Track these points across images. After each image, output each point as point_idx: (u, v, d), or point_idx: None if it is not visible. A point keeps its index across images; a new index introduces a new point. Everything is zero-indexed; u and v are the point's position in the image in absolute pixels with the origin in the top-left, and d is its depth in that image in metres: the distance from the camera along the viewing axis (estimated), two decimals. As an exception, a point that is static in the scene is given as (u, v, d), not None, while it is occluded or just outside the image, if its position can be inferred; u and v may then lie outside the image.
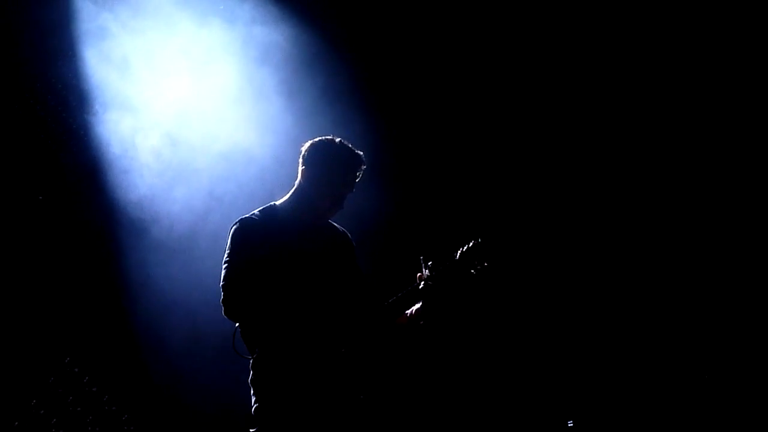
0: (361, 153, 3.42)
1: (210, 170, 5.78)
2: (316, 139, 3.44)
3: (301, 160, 3.42)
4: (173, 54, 5.67)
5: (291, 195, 3.43)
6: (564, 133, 6.15)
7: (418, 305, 3.32)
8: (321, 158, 3.38)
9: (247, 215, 3.33)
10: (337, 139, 3.43)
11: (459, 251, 3.28)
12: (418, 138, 6.21)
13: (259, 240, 3.22)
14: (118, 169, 5.67)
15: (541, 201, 6.12)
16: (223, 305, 3.15)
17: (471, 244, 3.28)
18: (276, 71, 5.86)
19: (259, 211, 3.36)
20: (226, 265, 3.20)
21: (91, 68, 5.55)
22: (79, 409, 5.34)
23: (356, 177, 3.41)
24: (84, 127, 5.63)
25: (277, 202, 3.42)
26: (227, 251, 3.23)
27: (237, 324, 3.24)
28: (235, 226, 3.29)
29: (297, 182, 3.43)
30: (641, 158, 6.04)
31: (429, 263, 3.28)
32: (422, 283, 3.28)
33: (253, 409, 3.17)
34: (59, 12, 5.47)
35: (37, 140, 5.54)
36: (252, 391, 3.19)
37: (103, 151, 5.64)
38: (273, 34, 5.87)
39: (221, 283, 3.18)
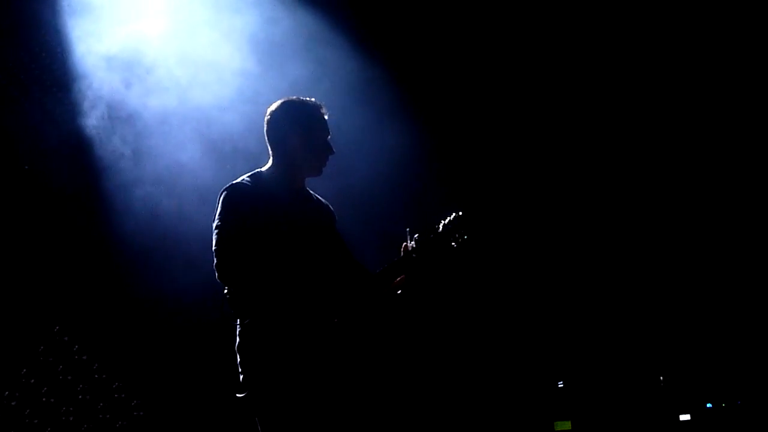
0: (313, 99, 3.46)
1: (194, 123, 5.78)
2: (271, 108, 3.45)
3: (273, 128, 3.42)
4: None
5: (273, 164, 3.42)
6: (548, 123, 6.22)
7: (401, 276, 3.33)
8: (298, 116, 3.39)
9: (237, 180, 3.31)
10: (291, 98, 3.46)
11: (441, 224, 3.32)
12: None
13: (251, 205, 3.20)
14: (100, 132, 5.63)
15: (521, 179, 6.19)
16: (217, 270, 3.11)
17: (452, 216, 3.32)
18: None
19: (248, 176, 3.34)
20: (217, 230, 3.17)
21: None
22: (69, 377, 5.37)
23: (325, 118, 3.43)
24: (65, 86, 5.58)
25: (263, 169, 3.41)
26: (218, 216, 3.20)
27: (225, 291, 3.21)
28: (225, 191, 3.26)
29: (271, 155, 3.43)
30: (614, 145, 6.17)
31: (415, 235, 3.31)
32: (407, 254, 3.30)
33: (240, 376, 3.16)
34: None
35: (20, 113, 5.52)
36: (239, 359, 3.18)
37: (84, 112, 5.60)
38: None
39: (214, 248, 3.15)
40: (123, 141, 5.68)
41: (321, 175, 3.47)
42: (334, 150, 3.44)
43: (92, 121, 5.58)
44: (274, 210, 3.24)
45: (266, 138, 3.45)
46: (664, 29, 5.93)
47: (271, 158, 3.44)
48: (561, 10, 6.11)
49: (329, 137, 3.44)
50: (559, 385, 5.83)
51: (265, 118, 3.45)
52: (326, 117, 3.44)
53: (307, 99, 3.46)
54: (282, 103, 3.45)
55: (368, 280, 3.33)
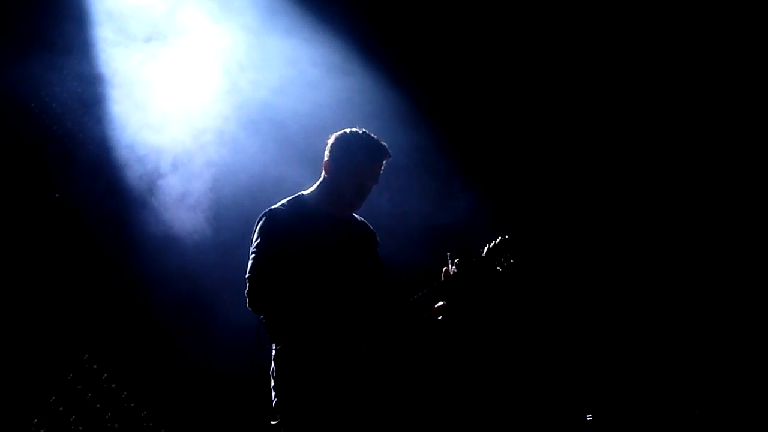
0: (386, 145, 3.40)
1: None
2: (342, 131, 3.42)
3: (327, 152, 3.40)
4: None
5: (317, 187, 3.41)
6: (583, 132, 6.21)
7: (442, 302, 3.31)
8: (346, 149, 3.35)
9: (275, 206, 3.31)
10: (362, 131, 3.41)
11: (485, 247, 3.30)
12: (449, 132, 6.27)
13: (287, 232, 3.20)
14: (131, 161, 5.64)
15: (564, 199, 6.18)
16: (248, 297, 3.12)
17: (497, 240, 3.31)
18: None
19: (287, 201, 3.35)
20: (253, 255, 3.18)
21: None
22: (98, 405, 5.36)
23: (381, 168, 3.38)
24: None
25: (305, 193, 3.41)
26: (255, 242, 3.21)
27: (262, 316, 3.20)
28: (263, 217, 3.27)
29: (322, 174, 3.41)
30: (646, 155, 6.13)
31: (456, 259, 3.28)
32: (448, 278, 3.28)
33: (273, 402, 3.16)
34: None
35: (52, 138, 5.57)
36: (273, 384, 3.18)
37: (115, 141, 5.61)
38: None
39: (247, 275, 3.15)
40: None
41: (353, 212, 3.46)
42: (366, 198, 3.39)
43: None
44: (310, 236, 3.22)
45: (323, 157, 3.43)
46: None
47: (319, 180, 3.43)
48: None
49: (373, 186, 3.38)
50: (588, 418, 5.75)
51: (328, 139, 3.43)
52: (383, 164, 3.38)
53: (375, 139, 3.40)
54: (347, 132, 3.42)
55: (404, 306, 3.28)
